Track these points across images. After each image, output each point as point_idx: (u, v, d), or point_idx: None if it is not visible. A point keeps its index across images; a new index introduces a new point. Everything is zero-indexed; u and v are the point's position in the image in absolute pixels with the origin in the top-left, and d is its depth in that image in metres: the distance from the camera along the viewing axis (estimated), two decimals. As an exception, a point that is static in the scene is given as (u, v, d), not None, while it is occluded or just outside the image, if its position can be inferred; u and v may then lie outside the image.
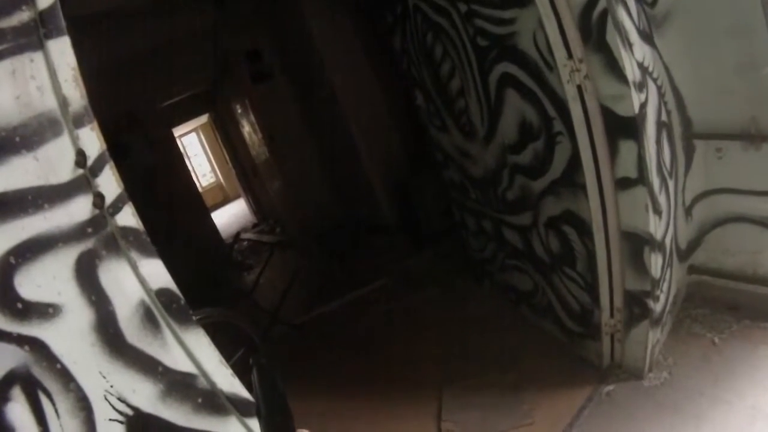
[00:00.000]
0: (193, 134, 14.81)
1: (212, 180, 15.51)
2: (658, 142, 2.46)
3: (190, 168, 10.97)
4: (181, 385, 1.59)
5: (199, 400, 1.62)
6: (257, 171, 9.00)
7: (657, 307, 2.59)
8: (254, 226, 10.46)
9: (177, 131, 11.36)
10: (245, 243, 9.09)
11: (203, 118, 11.96)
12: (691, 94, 2.78)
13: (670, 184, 2.66)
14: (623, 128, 2.30)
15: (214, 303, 3.86)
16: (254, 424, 1.73)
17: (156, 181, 6.82)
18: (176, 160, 8.05)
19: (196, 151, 15.21)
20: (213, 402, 1.65)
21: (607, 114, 2.33)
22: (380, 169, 5.74)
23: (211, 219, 8.54)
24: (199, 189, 10.69)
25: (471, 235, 4.11)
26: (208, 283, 6.42)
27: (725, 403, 2.49)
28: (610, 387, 2.78)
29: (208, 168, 15.53)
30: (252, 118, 7.65)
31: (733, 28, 2.57)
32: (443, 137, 3.82)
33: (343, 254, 6.11)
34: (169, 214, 6.68)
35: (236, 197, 13.78)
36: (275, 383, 0.76)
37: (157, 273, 1.56)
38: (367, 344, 4.09)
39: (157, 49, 5.84)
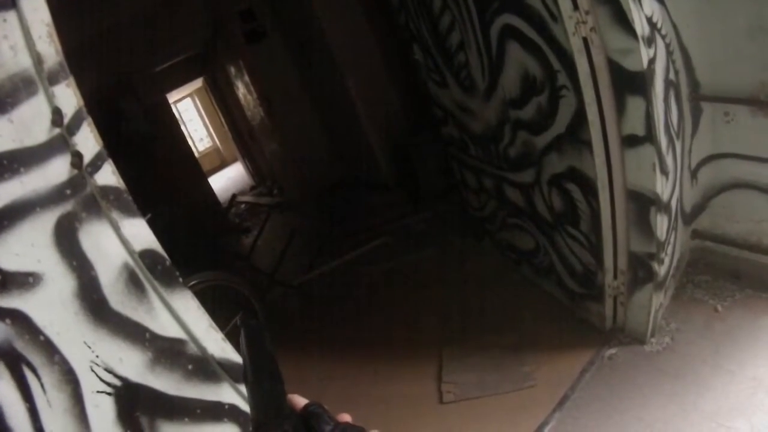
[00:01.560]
0: (188, 100, 14.62)
1: (209, 144, 15.37)
2: (666, 100, 2.36)
3: (186, 133, 10.84)
4: (170, 352, 1.55)
5: (190, 367, 1.58)
6: (254, 133, 8.87)
7: (661, 270, 2.54)
8: (252, 188, 10.39)
9: (172, 97, 11.16)
10: (242, 206, 9.04)
11: (198, 83, 11.74)
12: (700, 55, 2.66)
13: (677, 144, 2.56)
14: (631, 83, 2.20)
15: (212, 267, 3.85)
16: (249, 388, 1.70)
17: (152, 148, 6.72)
18: (172, 125, 7.93)
19: (192, 116, 15.03)
20: (204, 368, 1.61)
21: (615, 68, 2.22)
22: (379, 127, 5.66)
23: (209, 183, 8.47)
24: (196, 154, 10.57)
25: (471, 193, 4.03)
26: (206, 247, 6.40)
27: (727, 372, 2.48)
28: (612, 351, 2.76)
29: (205, 133, 15.38)
30: (247, 79, 7.49)
31: None
32: (443, 93, 3.71)
33: (341, 214, 6.05)
34: (167, 180, 6.62)
35: (233, 161, 13.68)
36: (264, 345, 0.71)
37: (140, 233, 1.50)
38: (366, 304, 4.08)
39: (148, 12, 5.68)
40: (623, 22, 2.10)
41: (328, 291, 4.57)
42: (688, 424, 2.29)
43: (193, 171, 7.87)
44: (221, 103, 10.98)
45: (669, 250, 2.61)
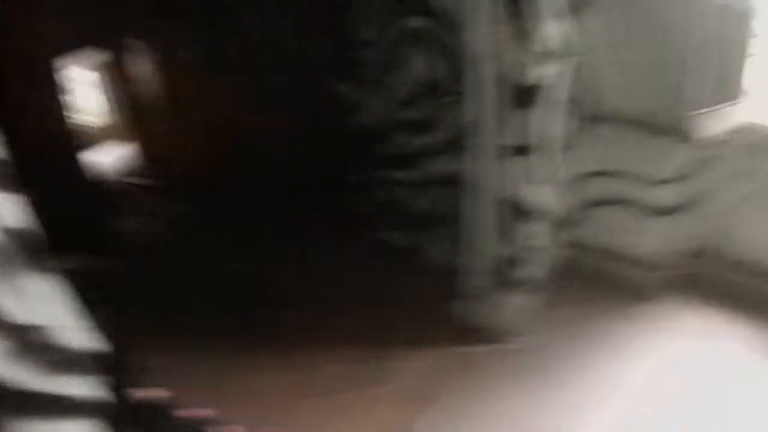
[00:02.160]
0: (86, 70, 13.42)
1: (100, 119, 14.21)
2: (554, 115, 2.52)
3: (76, 105, 9.91)
4: (30, 342, 1.39)
5: (51, 358, 1.43)
6: (149, 111, 8.28)
7: (528, 273, 2.71)
8: (137, 168, 9.66)
9: (66, 64, 10.13)
10: (126, 186, 8.39)
11: (97, 54, 10.77)
12: (600, 77, 2.89)
13: (558, 157, 2.72)
14: (522, 96, 2.34)
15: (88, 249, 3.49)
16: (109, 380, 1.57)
17: (34, 116, 6.03)
18: (59, 95, 7.15)
19: (88, 87, 13.81)
20: (66, 359, 1.47)
21: (509, 80, 2.34)
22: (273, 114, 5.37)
23: (92, 160, 7.75)
24: (83, 127, 9.69)
25: (351, 188, 3.97)
26: (85, 227, 5.87)
27: (587, 371, 2.69)
28: (478, 349, 2.85)
29: (99, 106, 14.19)
30: (148, 55, 6.96)
31: (654, 24, 2.72)
32: (342, 86, 3.63)
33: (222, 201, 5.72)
34: (50, 152, 5.99)
35: (122, 138, 12.74)
36: (119, 334, 0.64)
37: (10, 210, 1.32)
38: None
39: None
40: (527, 38, 2.24)
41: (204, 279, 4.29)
42: (547, 417, 2.45)
43: (74, 145, 7.18)
44: (120, 77, 10.15)
45: (537, 255, 2.77)
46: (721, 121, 2.73)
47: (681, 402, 2.64)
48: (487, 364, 2.79)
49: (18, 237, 1.35)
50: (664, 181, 2.96)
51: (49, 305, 1.44)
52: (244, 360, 3.08)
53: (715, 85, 2.70)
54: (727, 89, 2.82)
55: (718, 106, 2.73)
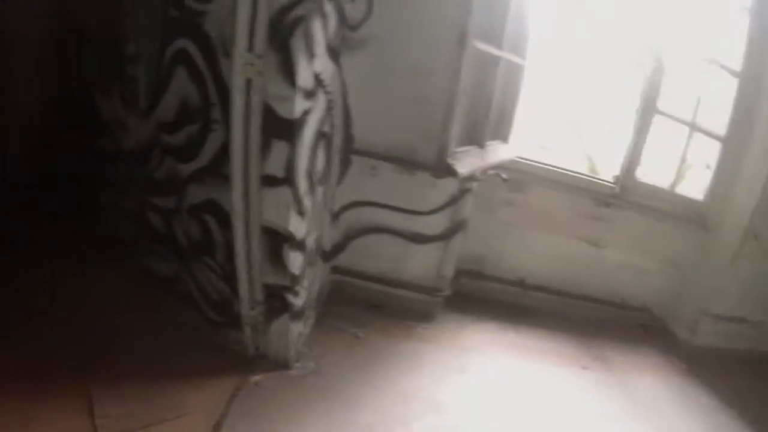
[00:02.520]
0: None
1: None
2: (314, 149, 2.61)
3: None
4: None
5: None
6: None
7: (297, 301, 2.75)
8: None
9: None
10: None
11: None
12: (360, 115, 3.07)
13: (319, 189, 2.84)
14: (280, 129, 2.36)
15: None
16: None
17: None
18: None
19: None
20: None
21: (269, 112, 2.36)
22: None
23: None
24: None
25: (112, 211, 3.82)
26: None
27: (375, 388, 2.79)
28: (258, 377, 2.84)
29: None
30: None
31: (415, 67, 2.96)
32: (103, 102, 3.51)
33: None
34: None
35: None
36: None
37: None
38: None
39: None
40: (288, 72, 2.26)
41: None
42: None
43: None
44: None
45: (305, 283, 2.83)
46: (484, 156, 3.04)
47: (475, 408, 2.92)
48: (273, 391, 2.78)
49: None
50: (424, 212, 3.24)
51: None
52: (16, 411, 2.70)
53: (481, 124, 3.01)
54: (495, 129, 3.20)
55: (484, 144, 3.04)
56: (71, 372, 2.93)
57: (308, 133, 2.49)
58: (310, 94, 2.42)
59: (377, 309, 3.42)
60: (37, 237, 4.34)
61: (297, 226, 2.51)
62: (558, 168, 4.03)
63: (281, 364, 2.91)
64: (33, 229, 4.39)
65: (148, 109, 2.99)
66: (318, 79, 2.50)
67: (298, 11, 2.23)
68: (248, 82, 2.34)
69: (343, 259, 3.39)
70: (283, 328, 2.78)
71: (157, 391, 2.80)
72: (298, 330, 2.86)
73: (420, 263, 3.39)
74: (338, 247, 3.32)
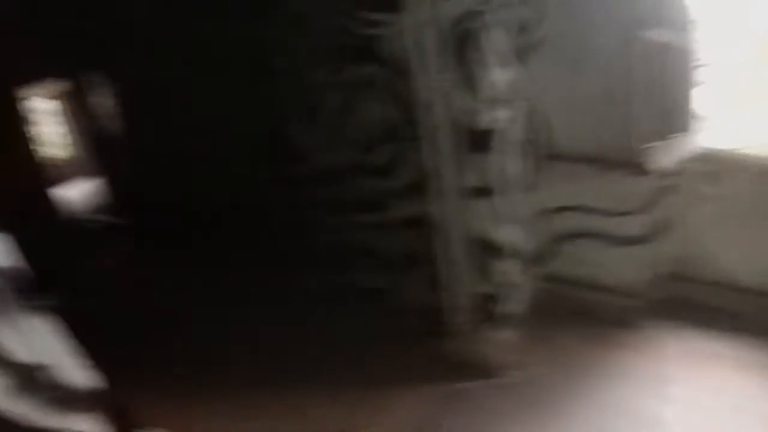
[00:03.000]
0: (49, 101, 13.53)
1: (63, 152, 14.20)
2: (513, 156, 2.61)
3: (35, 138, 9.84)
4: (32, 379, 1.45)
5: (52, 394, 1.48)
6: (111, 146, 8.20)
7: (507, 309, 2.75)
8: (104, 204, 9.48)
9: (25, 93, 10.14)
10: (94, 222, 8.23)
11: (59, 85, 10.83)
12: (555, 118, 2.98)
13: (523, 196, 2.80)
14: (477, 140, 2.41)
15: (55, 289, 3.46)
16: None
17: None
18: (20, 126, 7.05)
19: (51, 119, 13.90)
20: (67, 396, 1.52)
21: (462, 126, 2.42)
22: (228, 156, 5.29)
23: (56, 196, 7.66)
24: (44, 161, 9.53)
25: (317, 229, 3.99)
26: (49, 267, 5.75)
27: (578, 398, 2.69)
28: (463, 385, 2.87)
29: (61, 138, 14.21)
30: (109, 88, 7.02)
31: (598, 63, 2.82)
32: (298, 127, 3.74)
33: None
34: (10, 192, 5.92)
35: (87, 173, 12.65)
36: None
37: None
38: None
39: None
40: (472, 85, 2.32)
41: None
42: None
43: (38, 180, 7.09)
44: (82, 110, 10.14)
45: (512, 292, 2.81)
46: (675, 150, 2.82)
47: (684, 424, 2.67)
48: (481, 399, 2.80)
49: (8, 276, 1.42)
50: (625, 213, 3.05)
51: (46, 343, 1.49)
52: (235, 402, 3.08)
53: (664, 117, 2.80)
54: (677, 120, 2.94)
55: (670, 137, 2.82)
56: (284, 377, 3.24)
57: (505, 141, 2.50)
58: (497, 103, 2.43)
59: (581, 316, 3.27)
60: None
61: (502, 235, 2.52)
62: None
63: (486, 373, 2.91)
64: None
65: (341, 133, 3.19)
66: (502, 86, 2.50)
67: (473, 23, 2.27)
68: (435, 99, 2.42)
69: (550, 266, 3.31)
70: (490, 336, 2.80)
71: (362, 398, 2.96)
72: (504, 338, 2.86)
73: (625, 267, 3.19)
74: (545, 254, 3.27)
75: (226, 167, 4.81)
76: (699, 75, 2.99)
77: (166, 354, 3.68)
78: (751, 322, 3.50)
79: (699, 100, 3.00)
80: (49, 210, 6.74)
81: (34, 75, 8.19)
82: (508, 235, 2.63)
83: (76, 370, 1.58)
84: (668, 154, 2.75)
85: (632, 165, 2.62)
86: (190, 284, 4.53)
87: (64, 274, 5.63)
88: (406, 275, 3.07)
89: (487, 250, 2.58)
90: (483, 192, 2.46)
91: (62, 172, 13.51)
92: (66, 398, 1.53)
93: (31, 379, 1.46)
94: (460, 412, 2.77)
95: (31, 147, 7.28)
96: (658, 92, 2.76)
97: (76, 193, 11.59)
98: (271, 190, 4.46)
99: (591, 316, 3.25)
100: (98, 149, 7.81)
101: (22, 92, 6.69)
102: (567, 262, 3.30)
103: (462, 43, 2.30)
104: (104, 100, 7.29)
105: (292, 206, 4.15)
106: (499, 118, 2.42)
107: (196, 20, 3.89)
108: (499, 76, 2.42)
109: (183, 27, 4.02)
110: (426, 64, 2.37)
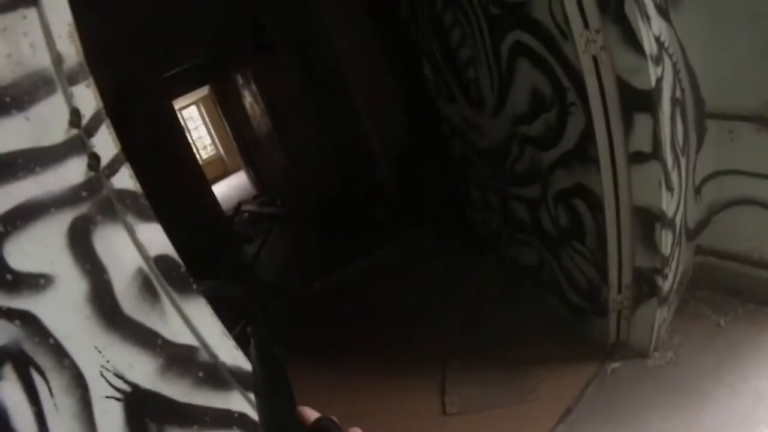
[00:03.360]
0: (194, 107, 14.69)
1: (213, 153, 15.42)
2: (672, 118, 2.41)
3: (190, 141, 10.85)
4: (182, 359, 1.55)
5: (201, 374, 1.58)
6: (258, 143, 8.90)
7: (665, 285, 2.56)
8: (255, 198, 10.39)
9: (178, 103, 11.21)
10: (245, 215, 9.04)
11: (204, 90, 11.80)
12: (706, 74, 2.71)
13: (683, 161, 2.60)
14: (639, 101, 2.24)
15: (214, 277, 3.82)
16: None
17: (156, 155, 6.70)
18: (177, 132, 7.92)
19: (197, 123, 15.10)
20: (215, 376, 1.61)
21: (623, 86, 2.26)
22: (384, 140, 5.65)
23: (212, 192, 8.47)
24: (200, 162, 10.60)
25: (476, 208, 4.06)
26: (207, 256, 6.39)
27: (729, 385, 2.49)
28: (616, 365, 2.77)
29: (209, 140, 15.43)
30: (254, 89, 7.54)
31: (753, 13, 2.49)
32: (451, 108, 3.75)
33: (342, 226, 6.05)
34: (170, 187, 6.59)
35: (237, 170, 13.70)
36: (275, 357, 0.68)
37: (155, 239, 1.50)
38: (369, 317, 4.06)
39: (157, 18, 5.71)
40: (632, 41, 2.14)
41: (330, 303, 4.55)
42: None
43: (196, 179, 7.88)
44: (227, 111, 11.03)
45: (673, 265, 2.63)
46: None
47: None
48: (628, 380, 2.70)
49: (163, 264, 1.50)
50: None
51: (195, 326, 1.57)
52: (381, 384, 3.22)
53: None
54: None
55: None
56: (429, 353, 3.32)
57: (665, 102, 2.29)
58: (657, 60, 2.23)
59: (741, 293, 2.99)
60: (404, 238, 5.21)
61: (668, 204, 2.33)
62: None
63: (640, 353, 2.76)
64: (400, 232, 5.27)
65: (497, 105, 3.12)
66: (659, 42, 2.29)
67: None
68: (594, 60, 2.26)
69: (705, 237, 3.04)
70: (649, 314, 2.62)
71: (510, 376, 2.93)
72: (662, 316, 2.68)
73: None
74: (701, 224, 3.00)
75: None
76: None
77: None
78: None
79: None
80: (200, 205, 7.43)
81: (181, 83, 9.04)
82: (674, 202, 2.43)
83: (230, 352, 1.64)
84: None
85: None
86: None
87: (215, 263, 6.23)
88: (566, 250, 2.95)
89: (654, 219, 2.40)
90: (650, 156, 2.29)
91: (215, 170, 14.85)
92: (215, 377, 1.61)
93: (182, 359, 1.55)
94: (603, 392, 2.67)
95: (185, 148, 8.11)
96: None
97: (230, 188, 12.79)
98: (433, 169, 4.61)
99: (753, 294, 2.96)
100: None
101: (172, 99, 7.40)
102: (726, 235, 3.00)
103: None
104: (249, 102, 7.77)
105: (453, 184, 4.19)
106: (661, 74, 2.22)
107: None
108: (656, 29, 2.24)
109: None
110: (581, 23, 2.23)
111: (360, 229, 5.79)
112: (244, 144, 10.71)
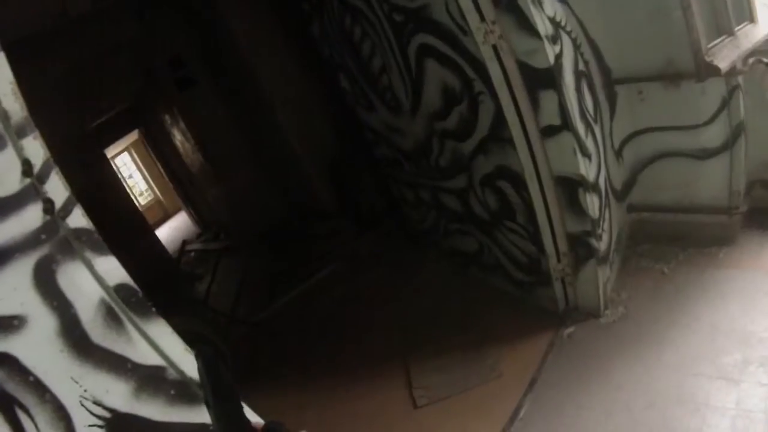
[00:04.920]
0: (126, 154, 14.30)
1: (150, 197, 15.02)
2: (578, 90, 2.57)
3: (127, 188, 10.56)
4: (153, 379, 1.60)
5: (172, 392, 1.62)
6: (194, 179, 8.76)
7: (601, 245, 2.71)
8: (198, 236, 10.18)
9: (109, 152, 10.91)
10: (192, 254, 8.85)
11: (134, 135, 11.52)
12: (607, 44, 2.90)
13: (596, 128, 2.76)
14: (541, 80, 2.39)
15: (170, 316, 3.74)
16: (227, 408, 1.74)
17: (95, 204, 6.48)
18: (112, 180, 7.72)
19: (131, 170, 14.70)
20: (186, 392, 1.65)
21: (525, 68, 2.41)
22: (314, 157, 5.73)
23: (155, 236, 8.27)
24: (139, 208, 10.32)
25: (411, 207, 4.15)
26: (159, 299, 6.20)
27: (683, 326, 2.62)
28: (570, 329, 2.87)
29: (145, 186, 15.04)
30: (183, 126, 7.43)
31: None
32: (371, 116, 3.85)
33: (286, 248, 6.05)
34: (113, 236, 6.38)
35: (177, 211, 13.41)
36: (220, 371, 0.74)
37: (112, 270, 1.56)
38: (327, 331, 4.09)
39: (79, 69, 5.60)
40: (527, 26, 2.29)
41: (287, 323, 4.55)
42: (654, 378, 2.40)
43: (139, 225, 7.69)
44: (159, 153, 10.77)
45: (605, 226, 2.78)
46: (736, 46, 2.65)
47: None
48: (585, 341, 2.80)
49: (123, 292, 1.57)
50: (701, 124, 2.93)
51: (160, 346, 1.62)
52: (350, 391, 3.24)
53: (723, 11, 2.65)
54: (739, 11, 2.78)
55: (734, 32, 2.67)
56: (390, 352, 3.38)
57: (568, 76, 2.46)
58: (554, 39, 2.40)
59: (679, 240, 3.18)
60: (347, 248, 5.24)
61: (586, 169, 2.49)
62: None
63: (592, 314, 2.88)
64: (342, 243, 5.31)
65: (413, 107, 3.24)
66: (555, 23, 2.46)
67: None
68: (495, 48, 2.40)
69: (634, 196, 3.24)
70: (591, 275, 2.76)
71: (472, 359, 3.02)
72: (605, 275, 2.82)
73: (709, 182, 3.06)
74: (628, 184, 3.19)
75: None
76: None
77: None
78: None
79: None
80: (146, 250, 7.24)
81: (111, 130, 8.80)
82: (593, 167, 2.60)
83: (195, 367, 1.67)
84: (732, 50, 2.59)
85: (696, 73, 2.49)
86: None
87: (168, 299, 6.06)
88: (501, 230, 3.07)
89: (576, 186, 2.54)
90: (560, 128, 2.44)
91: (153, 211, 14.38)
92: (185, 394, 1.65)
93: (156, 379, 1.60)
94: (563, 357, 2.76)
95: (126, 197, 7.91)
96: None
97: (169, 229, 12.40)
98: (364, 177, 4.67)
99: (688, 238, 3.15)
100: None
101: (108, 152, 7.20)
102: (654, 189, 3.21)
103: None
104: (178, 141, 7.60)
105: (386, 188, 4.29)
106: (559, 51, 2.39)
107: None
108: (550, 11, 2.40)
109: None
110: (477, 18, 2.37)
111: (305, 248, 5.80)
112: (180, 183, 10.50)
